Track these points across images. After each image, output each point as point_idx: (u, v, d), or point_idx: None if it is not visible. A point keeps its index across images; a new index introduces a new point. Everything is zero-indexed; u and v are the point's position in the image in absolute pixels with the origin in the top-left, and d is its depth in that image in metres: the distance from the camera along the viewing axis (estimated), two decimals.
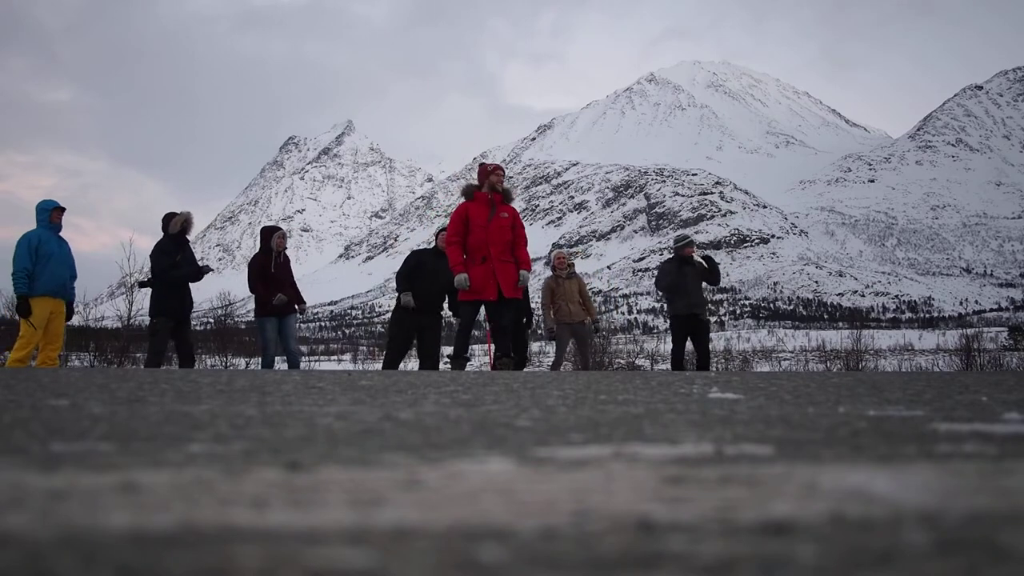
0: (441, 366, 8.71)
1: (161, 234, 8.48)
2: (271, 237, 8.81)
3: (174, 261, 8.34)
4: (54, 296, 7.89)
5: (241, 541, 0.65)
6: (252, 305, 8.86)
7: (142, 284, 8.69)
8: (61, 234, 8.08)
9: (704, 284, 9.58)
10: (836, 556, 0.62)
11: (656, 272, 10.01)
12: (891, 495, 0.86)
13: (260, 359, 9.29)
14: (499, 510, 0.78)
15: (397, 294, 8.74)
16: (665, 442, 1.37)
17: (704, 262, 9.50)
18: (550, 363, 10.56)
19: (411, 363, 10.33)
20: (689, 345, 9.80)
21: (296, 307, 8.92)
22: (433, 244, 8.85)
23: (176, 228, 8.38)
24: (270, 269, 8.67)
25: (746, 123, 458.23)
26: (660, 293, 9.85)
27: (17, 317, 8.22)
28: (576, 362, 11.14)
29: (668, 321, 9.91)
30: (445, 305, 8.69)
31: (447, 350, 8.79)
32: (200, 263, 8.63)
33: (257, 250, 8.94)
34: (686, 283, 9.42)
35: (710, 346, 10.09)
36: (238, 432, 1.49)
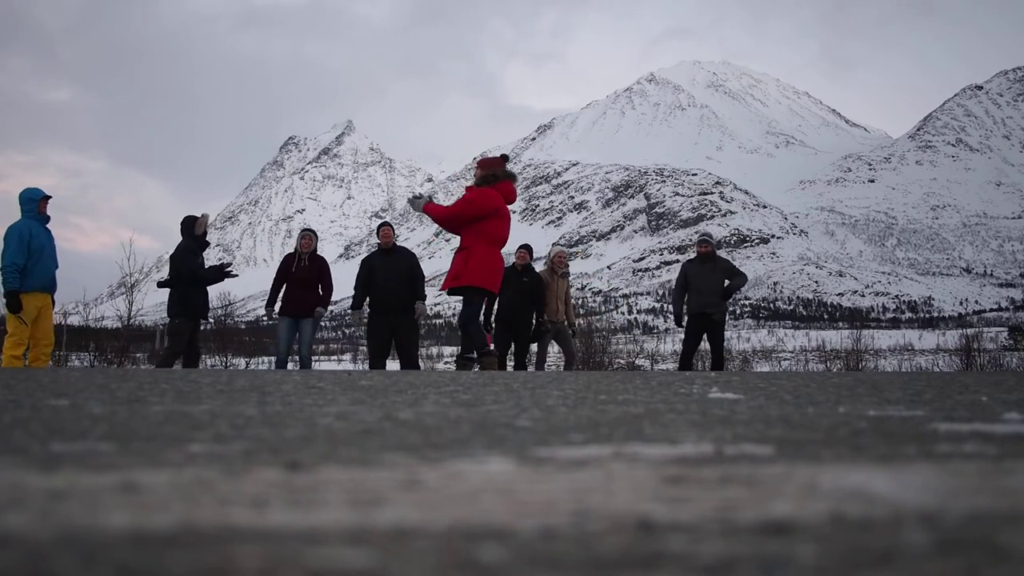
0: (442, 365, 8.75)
1: (180, 237, 8.72)
2: (299, 237, 9.11)
3: (200, 262, 8.69)
4: (44, 291, 7.68)
5: (241, 541, 0.65)
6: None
7: (161, 284, 8.75)
8: (48, 226, 7.83)
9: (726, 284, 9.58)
10: (836, 556, 0.62)
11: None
12: (891, 495, 0.86)
13: (273, 359, 9.43)
14: (499, 510, 0.78)
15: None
16: (665, 442, 1.37)
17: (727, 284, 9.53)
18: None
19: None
20: (705, 345, 9.81)
21: (317, 308, 8.96)
22: (378, 246, 8.88)
23: (201, 230, 8.69)
24: (290, 269, 8.84)
25: (746, 123, 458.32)
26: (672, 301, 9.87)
27: (3, 312, 8.11)
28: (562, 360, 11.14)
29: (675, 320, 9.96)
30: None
31: (447, 350, 8.83)
32: (218, 263, 8.98)
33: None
34: (700, 281, 9.39)
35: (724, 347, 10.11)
36: (238, 432, 1.49)
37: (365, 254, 9.36)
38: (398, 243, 8.95)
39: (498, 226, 7.22)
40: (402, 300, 8.51)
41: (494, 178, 7.31)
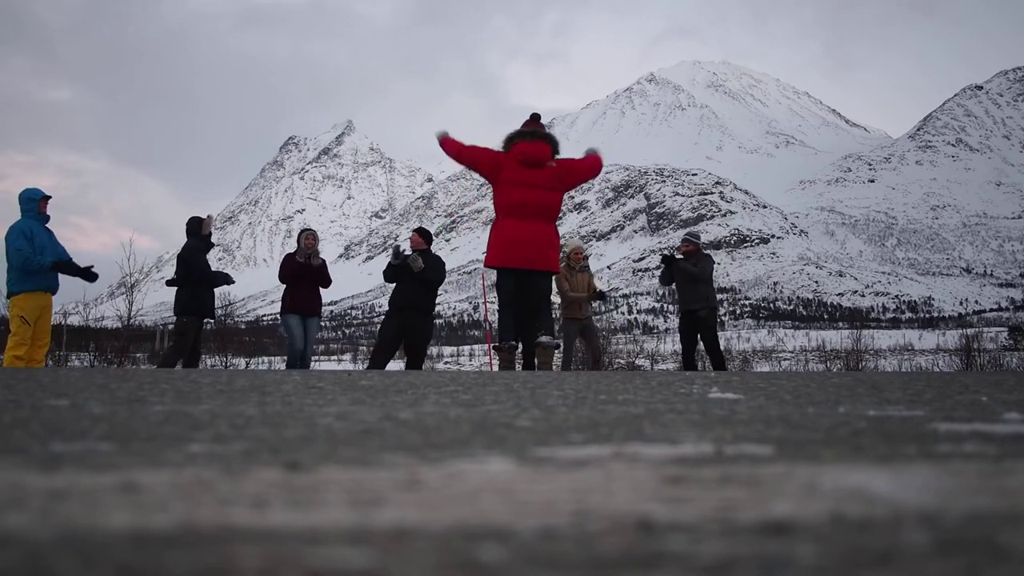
0: (440, 366, 8.77)
1: (181, 237, 8.93)
2: (301, 237, 9.27)
3: (208, 262, 8.90)
4: (46, 291, 7.70)
5: (241, 541, 0.65)
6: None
7: (170, 283, 8.87)
8: (47, 225, 7.86)
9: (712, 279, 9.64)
10: (836, 556, 0.62)
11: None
12: (891, 495, 0.86)
13: (273, 359, 9.51)
14: (499, 510, 0.78)
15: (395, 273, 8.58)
16: (665, 442, 1.37)
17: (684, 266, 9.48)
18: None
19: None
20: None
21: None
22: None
23: (207, 230, 8.85)
24: (298, 269, 8.98)
25: (746, 123, 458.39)
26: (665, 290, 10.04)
27: (5, 313, 8.15)
28: (586, 357, 10.78)
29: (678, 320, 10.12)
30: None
31: (447, 350, 8.82)
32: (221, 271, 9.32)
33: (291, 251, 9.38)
34: (681, 278, 9.56)
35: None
36: (238, 432, 1.49)
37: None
38: (403, 243, 9.08)
39: (503, 193, 6.70)
40: (422, 301, 8.58)
41: (510, 141, 6.83)
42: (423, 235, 9.09)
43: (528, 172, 6.66)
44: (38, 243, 7.60)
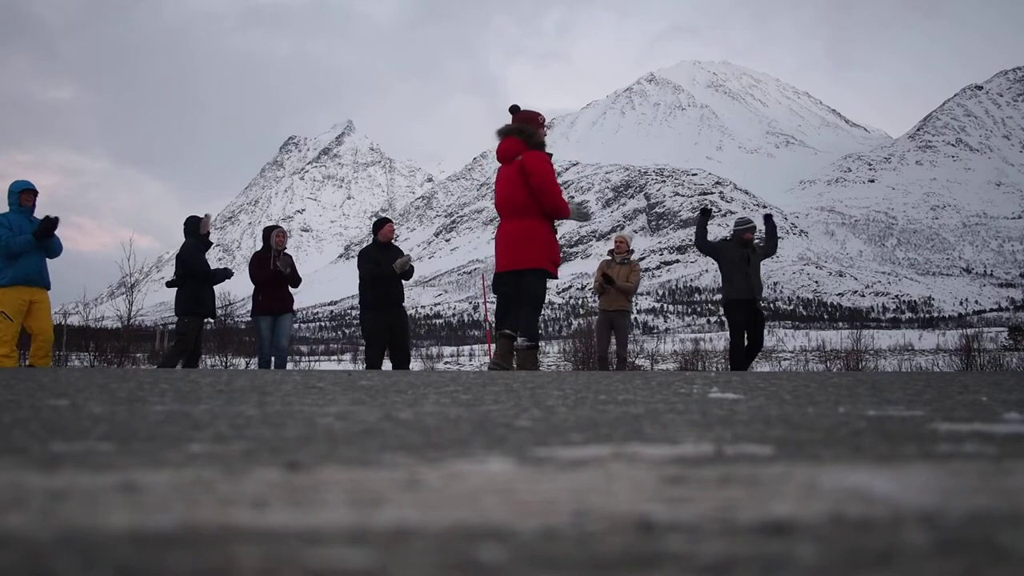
0: (437, 365, 8.75)
1: (181, 237, 8.88)
2: (270, 235, 9.11)
3: (207, 261, 8.90)
4: (28, 285, 7.52)
5: (241, 541, 0.65)
6: (252, 305, 9.01)
7: (170, 284, 8.84)
8: (36, 216, 7.72)
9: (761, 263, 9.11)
10: (836, 556, 0.62)
11: (702, 243, 9.35)
12: (891, 495, 0.86)
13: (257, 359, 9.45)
14: (499, 510, 0.78)
15: (372, 279, 8.47)
16: (665, 442, 1.37)
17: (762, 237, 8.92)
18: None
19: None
20: (718, 344, 9.57)
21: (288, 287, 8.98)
22: (373, 239, 8.85)
23: (205, 230, 8.84)
24: (268, 265, 8.89)
25: (746, 123, 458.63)
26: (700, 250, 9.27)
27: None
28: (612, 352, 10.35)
29: (722, 308, 9.32)
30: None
31: (447, 350, 8.83)
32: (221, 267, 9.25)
33: (258, 248, 9.25)
34: (746, 266, 8.95)
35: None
36: (238, 432, 1.49)
37: None
38: (398, 243, 9.07)
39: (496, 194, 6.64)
40: (399, 296, 8.61)
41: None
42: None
43: (501, 169, 6.59)
44: (16, 231, 7.50)
